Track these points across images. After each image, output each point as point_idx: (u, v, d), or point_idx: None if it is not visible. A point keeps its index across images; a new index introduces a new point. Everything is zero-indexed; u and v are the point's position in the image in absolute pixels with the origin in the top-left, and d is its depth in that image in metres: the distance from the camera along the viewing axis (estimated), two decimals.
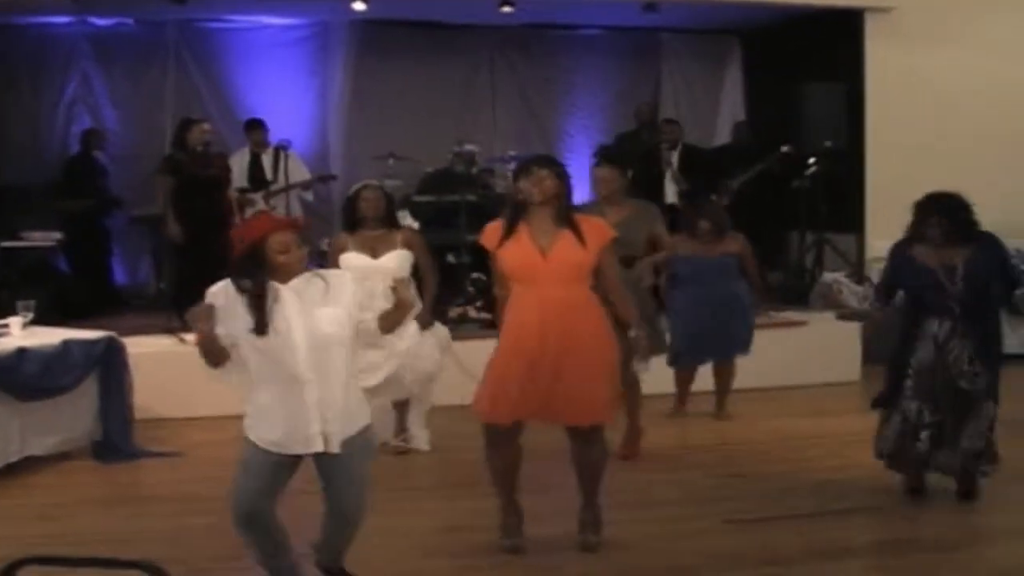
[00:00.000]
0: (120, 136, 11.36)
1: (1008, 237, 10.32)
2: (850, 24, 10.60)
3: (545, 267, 4.84)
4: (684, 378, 7.90)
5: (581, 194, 8.38)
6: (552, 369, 4.82)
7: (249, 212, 9.92)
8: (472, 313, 9.11)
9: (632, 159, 10.69)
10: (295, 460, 4.23)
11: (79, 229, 10.27)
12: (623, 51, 12.77)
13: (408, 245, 6.69)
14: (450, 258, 9.40)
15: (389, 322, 4.37)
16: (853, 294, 9.79)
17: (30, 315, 6.94)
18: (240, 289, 4.09)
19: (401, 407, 7.00)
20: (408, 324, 6.54)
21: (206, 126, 9.42)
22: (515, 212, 4.94)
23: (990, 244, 5.79)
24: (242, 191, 10.00)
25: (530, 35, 12.39)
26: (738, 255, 7.64)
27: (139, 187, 10.66)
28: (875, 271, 8.65)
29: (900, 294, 5.91)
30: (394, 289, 4.37)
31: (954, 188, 5.71)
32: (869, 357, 8.64)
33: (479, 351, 5.38)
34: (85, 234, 10.45)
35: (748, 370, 8.34)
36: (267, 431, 4.15)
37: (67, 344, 6.82)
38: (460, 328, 8.38)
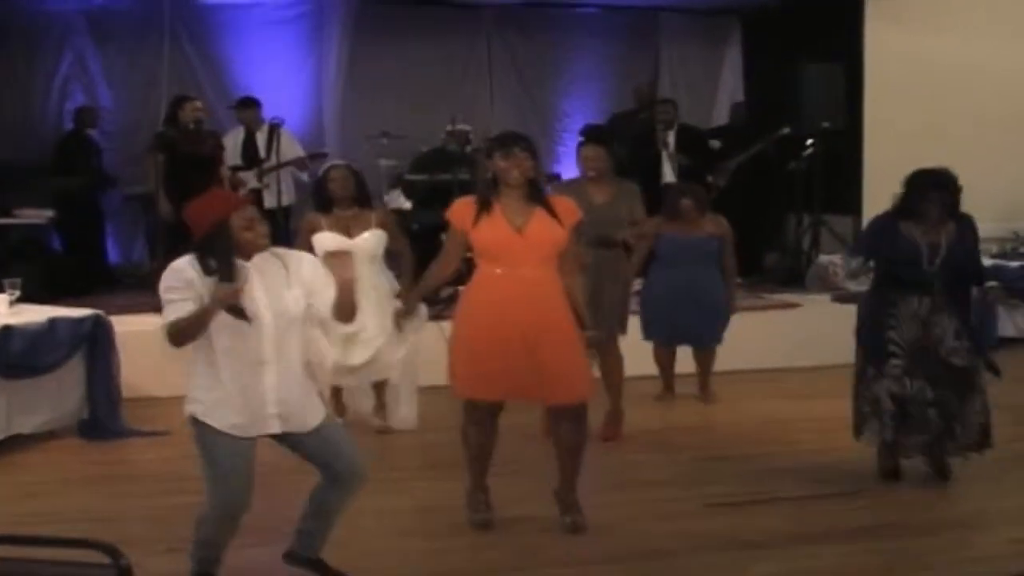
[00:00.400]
0: (114, 114, 11.32)
1: (1007, 219, 10.42)
2: (850, 5, 10.54)
3: (523, 245, 4.83)
4: (664, 360, 7.85)
5: (572, 172, 8.43)
6: (533, 348, 4.83)
7: (242, 191, 9.89)
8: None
9: (627, 139, 10.73)
10: (253, 441, 4.13)
11: (72, 207, 10.25)
12: (621, 30, 12.69)
13: (382, 225, 6.69)
14: (443, 237, 9.33)
15: (343, 309, 4.19)
16: None
17: (17, 293, 6.89)
18: (207, 270, 3.97)
19: (379, 387, 6.97)
20: (391, 303, 6.54)
21: (198, 104, 9.42)
22: (488, 190, 4.93)
23: (971, 225, 5.77)
24: (235, 169, 9.96)
25: (527, 13, 12.33)
26: (719, 238, 7.57)
27: (133, 165, 10.62)
28: None
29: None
30: (331, 265, 4.17)
31: (953, 170, 5.67)
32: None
33: None
34: (78, 212, 10.41)
35: (742, 352, 8.33)
36: (227, 415, 4.03)
37: (53, 322, 6.79)
38: (453, 307, 8.29)
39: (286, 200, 9.98)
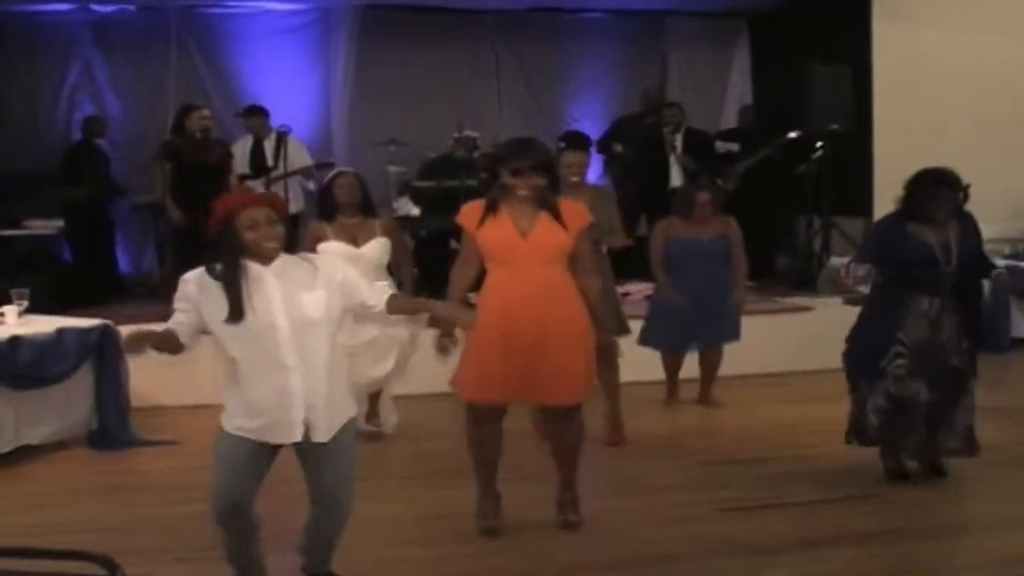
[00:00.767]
0: (122, 123, 11.36)
1: (1019, 219, 10.37)
2: (857, 6, 10.48)
3: (526, 248, 4.87)
4: (672, 365, 7.82)
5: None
6: (532, 350, 4.86)
7: None
8: (474, 299, 9.02)
9: (635, 142, 10.71)
10: (273, 450, 4.07)
11: (81, 217, 10.26)
12: (628, 35, 12.68)
13: (387, 233, 6.67)
14: (452, 244, 9.34)
15: (404, 306, 4.22)
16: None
17: (25, 303, 6.90)
18: (212, 274, 3.93)
19: (374, 394, 6.97)
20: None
21: (205, 112, 9.42)
22: (496, 195, 4.95)
23: (972, 221, 5.79)
24: (242, 177, 9.95)
25: (534, 19, 12.30)
26: (728, 238, 7.54)
27: (142, 174, 10.62)
28: None
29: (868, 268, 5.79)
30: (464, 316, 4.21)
31: (962, 170, 5.65)
32: None
33: None
34: (88, 222, 10.42)
35: (753, 356, 8.31)
36: (246, 420, 3.99)
37: (61, 332, 6.79)
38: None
39: (294, 208, 9.96)
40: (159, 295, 9.26)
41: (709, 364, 7.81)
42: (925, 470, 5.91)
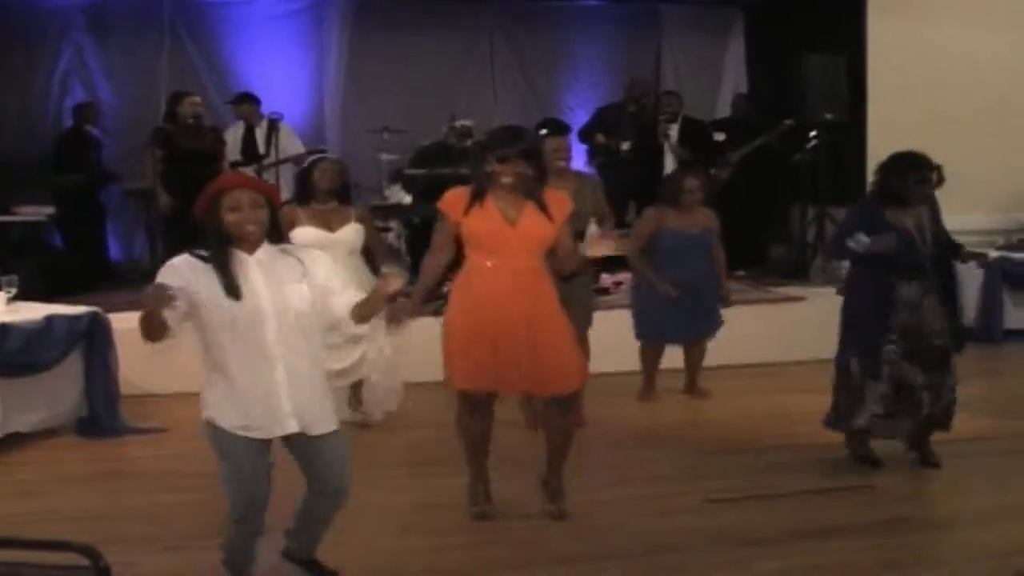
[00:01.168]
0: (114, 109, 11.30)
1: (1013, 210, 10.37)
2: None
3: (514, 237, 4.85)
4: (653, 357, 7.74)
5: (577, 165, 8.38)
6: (523, 341, 4.86)
7: None
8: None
9: (615, 131, 10.67)
10: (268, 442, 4.02)
11: (73, 204, 10.25)
12: (623, 23, 12.65)
13: (361, 220, 6.66)
14: None
15: (365, 311, 4.07)
16: None
17: (13, 290, 6.85)
18: (199, 256, 3.88)
19: (356, 383, 6.94)
20: None
21: (196, 99, 9.41)
22: (482, 183, 4.93)
23: (936, 202, 5.88)
24: (234, 164, 9.91)
25: (528, 6, 12.28)
26: (712, 231, 7.51)
27: (133, 161, 10.61)
28: None
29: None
30: (385, 276, 4.03)
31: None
32: None
33: None
34: (79, 209, 10.40)
35: (745, 346, 8.31)
36: (238, 416, 3.92)
37: (50, 320, 6.75)
38: None
39: (285, 195, 9.91)
40: (150, 282, 9.21)
41: (695, 355, 7.77)
42: (916, 458, 5.95)
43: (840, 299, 6.05)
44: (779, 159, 10.68)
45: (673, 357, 7.78)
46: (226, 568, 4.27)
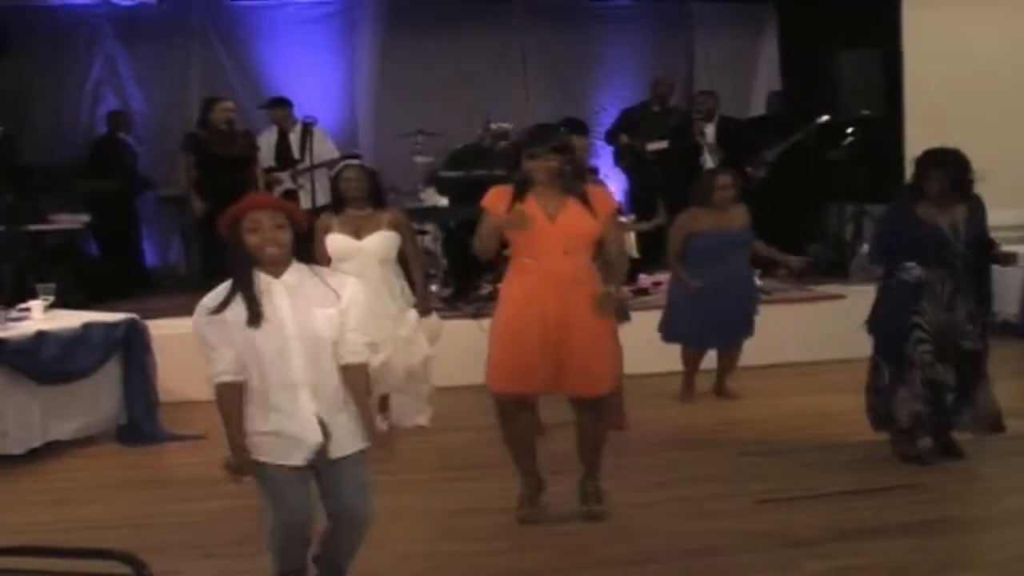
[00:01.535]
0: (146, 117, 11.35)
1: None
2: None
3: (553, 233, 4.82)
4: (694, 360, 7.65)
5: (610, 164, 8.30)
6: (559, 340, 4.83)
7: (277, 191, 9.87)
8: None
9: (639, 132, 10.62)
10: (307, 469, 3.95)
11: (108, 211, 10.27)
12: (655, 22, 12.57)
13: (395, 226, 6.50)
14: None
15: (351, 387, 3.95)
16: None
17: (50, 298, 6.88)
18: (219, 302, 3.81)
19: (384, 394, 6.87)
20: (408, 312, 6.48)
21: (228, 104, 9.41)
22: (523, 182, 4.91)
23: (980, 204, 5.79)
24: (269, 170, 9.92)
25: (560, 6, 12.20)
26: (750, 230, 7.43)
27: (167, 167, 10.63)
28: None
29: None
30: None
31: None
32: None
33: None
34: (114, 216, 10.44)
35: (786, 345, 8.25)
36: (267, 445, 3.87)
37: (87, 327, 6.76)
38: (493, 305, 8.24)
39: (321, 200, 9.89)
40: (186, 288, 9.29)
41: (729, 359, 7.68)
42: (939, 450, 5.93)
43: None
44: (815, 156, 10.58)
45: (708, 357, 7.73)
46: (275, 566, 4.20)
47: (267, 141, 10.18)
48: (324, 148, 10.09)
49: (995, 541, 4.97)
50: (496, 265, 9.00)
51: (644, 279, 9.24)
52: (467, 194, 9.57)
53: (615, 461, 5.53)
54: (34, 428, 6.45)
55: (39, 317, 6.75)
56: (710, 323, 7.34)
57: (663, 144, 10.71)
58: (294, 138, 10.15)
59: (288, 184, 9.99)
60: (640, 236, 9.19)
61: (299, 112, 10.20)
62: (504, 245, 5.03)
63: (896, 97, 10.30)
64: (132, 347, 6.96)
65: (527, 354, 4.85)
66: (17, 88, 10.69)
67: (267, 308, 3.80)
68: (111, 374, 6.93)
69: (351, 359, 3.93)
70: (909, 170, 9.97)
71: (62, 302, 7.07)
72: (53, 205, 9.74)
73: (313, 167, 9.82)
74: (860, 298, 8.97)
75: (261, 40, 11.59)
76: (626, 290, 5.22)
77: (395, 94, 11.66)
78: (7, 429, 6.31)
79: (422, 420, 6.81)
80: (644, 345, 7.40)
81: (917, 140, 10.03)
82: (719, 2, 12.53)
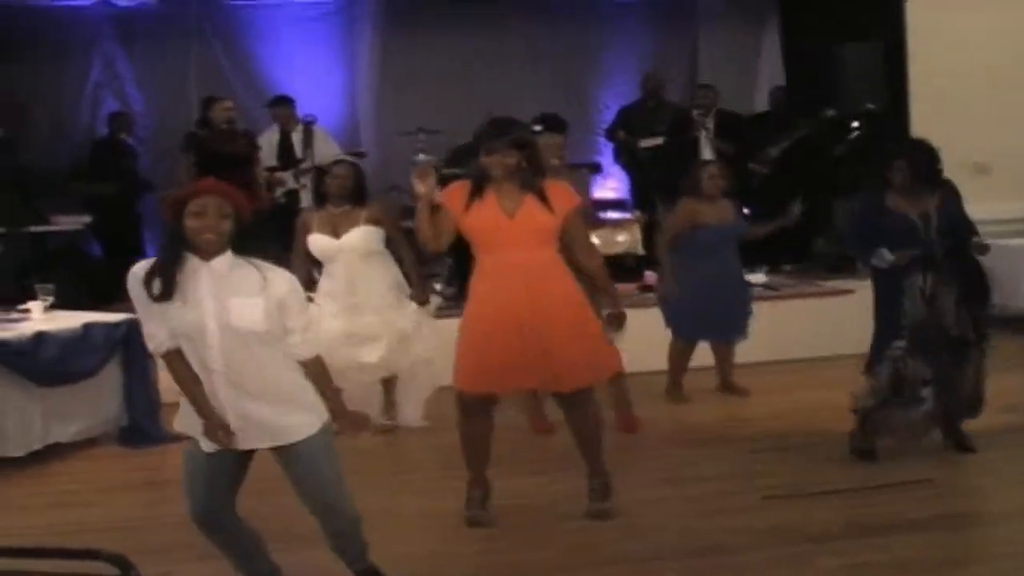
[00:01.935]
0: (146, 117, 11.30)
1: None
2: None
3: (512, 229, 4.74)
4: (682, 357, 7.53)
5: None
6: (528, 335, 4.75)
7: (279, 191, 9.82)
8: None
9: (634, 130, 10.57)
10: (241, 454, 3.91)
11: (109, 212, 10.22)
12: (657, 18, 12.50)
13: (375, 221, 6.51)
14: None
15: (314, 379, 3.94)
16: None
17: (50, 299, 6.83)
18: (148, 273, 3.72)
19: (387, 384, 6.87)
20: (408, 303, 6.44)
21: (228, 103, 9.36)
22: (481, 178, 4.81)
23: (954, 192, 5.77)
24: (270, 170, 9.86)
25: (561, 3, 12.12)
26: (742, 224, 7.38)
27: (167, 168, 10.56)
28: None
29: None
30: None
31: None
32: None
33: None
34: (115, 217, 10.36)
35: (794, 340, 8.20)
36: (193, 424, 3.84)
37: (87, 328, 6.71)
38: (455, 305, 8.19)
39: None
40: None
41: (724, 352, 7.61)
42: (951, 445, 5.89)
43: None
44: (820, 151, 10.52)
45: (702, 355, 7.63)
46: None
47: (268, 141, 10.12)
48: (326, 148, 10.00)
49: (1008, 536, 4.89)
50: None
51: (650, 276, 9.17)
52: None
53: (622, 458, 5.46)
54: (35, 430, 6.39)
55: (39, 318, 6.71)
56: (712, 315, 7.28)
57: (657, 140, 10.65)
58: (296, 137, 10.09)
59: (291, 184, 9.92)
60: (644, 232, 9.14)
61: (299, 111, 10.15)
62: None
63: (900, 90, 10.25)
64: (133, 348, 6.87)
65: (497, 354, 4.78)
66: (18, 90, 10.67)
67: (189, 290, 3.71)
68: (112, 375, 6.88)
69: (297, 356, 3.89)
70: None
71: (64, 303, 7.02)
72: (54, 207, 9.71)
73: (316, 167, 9.75)
74: (868, 293, 8.95)
75: (260, 39, 11.54)
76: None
77: (395, 92, 11.62)
78: (7, 431, 6.26)
79: (422, 421, 6.82)
80: (651, 342, 7.34)
81: (922, 133, 10.00)
82: None
